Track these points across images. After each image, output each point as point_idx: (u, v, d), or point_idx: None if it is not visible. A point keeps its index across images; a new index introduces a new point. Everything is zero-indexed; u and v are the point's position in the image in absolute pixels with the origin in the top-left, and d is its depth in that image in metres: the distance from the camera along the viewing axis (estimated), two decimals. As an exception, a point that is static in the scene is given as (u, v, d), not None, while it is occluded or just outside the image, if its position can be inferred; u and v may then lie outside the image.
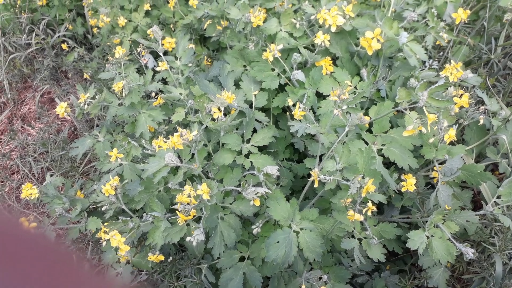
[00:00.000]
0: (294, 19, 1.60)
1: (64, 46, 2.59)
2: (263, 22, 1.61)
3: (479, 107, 1.49)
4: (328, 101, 1.45)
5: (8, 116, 2.61)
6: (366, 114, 1.45)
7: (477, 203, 1.70)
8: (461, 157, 1.36)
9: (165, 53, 2.30)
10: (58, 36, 2.83)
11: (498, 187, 1.41)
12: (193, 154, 1.18)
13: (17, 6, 2.96)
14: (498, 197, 1.21)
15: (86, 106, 1.41)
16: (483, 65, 1.86)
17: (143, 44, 1.44)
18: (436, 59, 1.91)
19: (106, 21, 2.37)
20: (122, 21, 2.38)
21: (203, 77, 1.73)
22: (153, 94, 1.46)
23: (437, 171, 1.32)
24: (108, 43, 2.44)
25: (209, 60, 2.12)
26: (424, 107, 1.13)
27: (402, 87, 1.15)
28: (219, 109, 1.33)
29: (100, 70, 2.53)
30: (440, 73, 1.50)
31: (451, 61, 1.50)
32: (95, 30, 2.67)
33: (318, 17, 1.51)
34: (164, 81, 1.66)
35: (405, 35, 1.29)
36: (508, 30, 1.92)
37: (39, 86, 2.76)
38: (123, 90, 1.36)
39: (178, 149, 1.13)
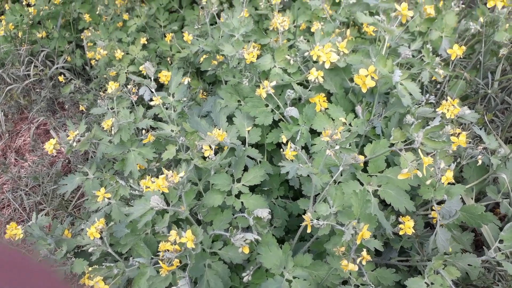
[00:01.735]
0: (288, 55, 1.60)
1: (61, 78, 2.60)
2: (258, 58, 1.61)
3: (477, 145, 1.46)
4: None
5: (2, 148, 2.58)
6: (361, 152, 1.42)
7: (478, 241, 1.63)
8: (461, 197, 1.32)
9: (162, 85, 2.30)
10: (57, 68, 2.85)
11: (500, 228, 1.36)
12: (180, 196, 1.14)
13: (18, 38, 2.99)
14: (501, 242, 1.15)
15: (75, 143, 1.38)
16: (480, 100, 1.84)
17: (134, 81, 1.42)
18: (433, 93, 1.89)
19: (103, 54, 2.38)
20: (119, 54, 2.39)
21: (198, 112, 1.71)
22: (144, 131, 1.44)
23: (435, 209, 1.27)
24: (104, 75, 2.45)
25: (205, 94, 2.11)
26: (419, 148, 1.09)
27: (397, 127, 1.11)
28: (210, 147, 1.30)
29: (96, 102, 2.52)
30: (437, 110, 1.47)
31: (448, 97, 1.47)
32: (93, 62, 2.68)
33: (311, 54, 1.50)
34: (156, 117, 1.64)
35: (399, 74, 1.27)
36: (504, 64, 1.91)
37: (35, 118, 2.75)
38: (113, 128, 1.34)
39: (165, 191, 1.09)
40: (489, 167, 1.47)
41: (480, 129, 1.66)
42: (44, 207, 2.18)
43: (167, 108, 1.60)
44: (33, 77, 2.84)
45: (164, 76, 2.13)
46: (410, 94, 1.39)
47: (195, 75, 2.36)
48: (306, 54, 1.53)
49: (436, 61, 1.64)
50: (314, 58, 1.50)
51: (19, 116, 2.84)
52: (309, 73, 1.49)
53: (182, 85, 1.52)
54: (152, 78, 1.51)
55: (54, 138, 1.51)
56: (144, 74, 1.55)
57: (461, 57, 1.67)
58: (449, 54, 1.95)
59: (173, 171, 1.11)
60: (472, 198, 1.41)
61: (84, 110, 2.49)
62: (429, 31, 1.96)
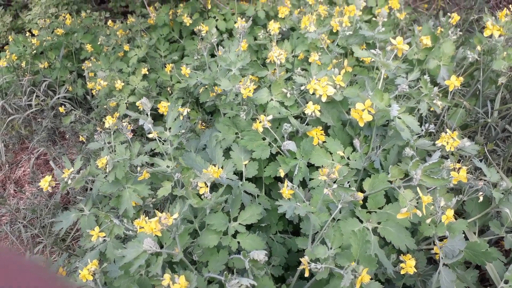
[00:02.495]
0: (285, 88, 1.59)
1: (61, 109, 2.61)
2: (255, 91, 1.61)
3: (478, 177, 1.43)
4: (321, 173, 1.40)
5: (2, 179, 2.58)
6: (360, 186, 1.39)
7: (484, 275, 1.58)
8: (463, 232, 1.28)
9: (162, 115, 2.30)
10: (58, 98, 2.87)
11: (505, 264, 1.32)
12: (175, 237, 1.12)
13: (21, 68, 3.04)
14: (506, 282, 1.11)
15: (70, 181, 1.36)
16: (480, 129, 1.82)
17: (130, 117, 1.42)
18: (433, 123, 1.88)
19: (103, 85, 2.40)
20: (119, 84, 2.41)
21: (195, 145, 1.70)
22: (139, 168, 1.42)
23: (437, 246, 1.23)
24: (105, 106, 2.46)
25: (204, 125, 2.11)
26: (418, 187, 1.07)
27: (395, 164, 1.09)
28: (205, 184, 1.28)
29: (96, 133, 2.52)
30: (436, 142, 1.45)
31: (447, 129, 1.46)
32: (94, 92, 2.70)
33: (308, 87, 1.49)
34: (154, 152, 1.63)
35: (396, 108, 1.26)
36: (504, 92, 1.90)
37: (35, 148, 2.75)
38: (107, 166, 1.33)
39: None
40: (491, 199, 1.43)
41: (481, 160, 1.63)
42: (42, 240, 2.15)
43: (164, 141, 1.59)
44: (34, 107, 2.87)
45: (163, 107, 2.13)
46: (409, 127, 1.38)
47: (195, 105, 2.36)
48: (302, 88, 1.53)
49: (434, 92, 1.63)
50: (311, 92, 1.49)
51: (20, 146, 2.85)
52: (306, 106, 1.49)
53: (178, 119, 1.51)
54: (149, 113, 1.50)
55: (52, 170, 1.51)
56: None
57: (459, 87, 1.66)
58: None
59: (167, 211, 1.09)
60: (475, 233, 1.37)
61: (84, 140, 2.49)
62: (427, 59, 1.97)
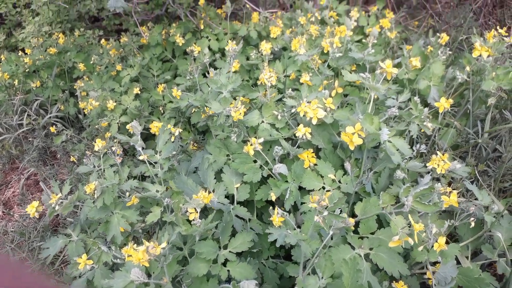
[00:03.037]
0: (276, 111, 1.59)
1: (52, 129, 2.59)
2: (246, 113, 1.60)
3: (469, 200, 1.42)
4: (312, 197, 1.39)
5: (-9, 200, 2.54)
6: (351, 210, 1.38)
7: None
8: (456, 257, 1.27)
9: (154, 135, 2.28)
10: (50, 117, 2.85)
11: (499, 289, 1.30)
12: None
13: (13, 87, 3.02)
14: (500, 310, 1.10)
15: (57, 207, 1.34)
16: (471, 149, 1.83)
17: (119, 141, 1.41)
18: (424, 143, 1.88)
19: (95, 105, 2.39)
20: (111, 104, 2.40)
21: (186, 167, 1.68)
22: (127, 193, 1.40)
23: (429, 271, 1.22)
24: (96, 126, 2.44)
25: (195, 145, 2.10)
26: (410, 214, 1.06)
27: (385, 191, 1.09)
28: (195, 209, 1.26)
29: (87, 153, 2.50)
30: (427, 165, 1.45)
31: (438, 152, 1.46)
32: (86, 111, 2.69)
33: (298, 110, 1.49)
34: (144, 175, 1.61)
35: (386, 132, 1.26)
36: (494, 112, 1.92)
37: (26, 168, 2.72)
38: (95, 191, 1.31)
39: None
40: (483, 222, 1.43)
41: (472, 181, 1.63)
42: (30, 263, 2.11)
43: (155, 163, 1.58)
44: (25, 127, 2.84)
45: (155, 127, 2.12)
46: (399, 151, 1.37)
47: (187, 124, 2.36)
48: (293, 111, 1.53)
49: (424, 113, 1.64)
50: (301, 115, 1.49)
51: (10, 166, 2.81)
52: (297, 129, 1.48)
53: (169, 143, 1.50)
54: (139, 136, 1.49)
55: (42, 191, 1.48)
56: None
57: (449, 108, 1.67)
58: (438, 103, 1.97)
59: (155, 240, 1.07)
60: (467, 257, 1.36)
61: (75, 161, 2.47)
62: (417, 79, 1.98)
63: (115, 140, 2.42)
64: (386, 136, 1.27)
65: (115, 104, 2.40)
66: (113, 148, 1.43)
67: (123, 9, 1.77)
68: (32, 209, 1.40)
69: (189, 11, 2.42)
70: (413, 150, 1.79)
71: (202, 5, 2.55)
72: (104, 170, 1.62)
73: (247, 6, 2.50)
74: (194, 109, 1.92)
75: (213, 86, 1.61)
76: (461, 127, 1.86)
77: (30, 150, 2.76)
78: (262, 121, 1.61)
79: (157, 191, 1.41)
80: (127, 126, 1.53)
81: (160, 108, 2.49)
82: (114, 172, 1.48)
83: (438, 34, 3.16)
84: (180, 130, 2.10)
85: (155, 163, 1.57)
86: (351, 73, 2.03)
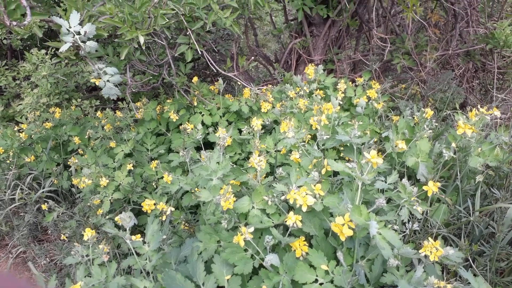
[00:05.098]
0: (266, 196, 1.60)
1: (44, 206, 2.57)
2: (236, 195, 1.61)
3: (466, 284, 1.39)
4: (305, 290, 1.35)
5: (-24, 283, 2.45)
6: (346, 304, 1.34)
7: None
8: None
9: (146, 213, 2.26)
10: (43, 192, 2.84)
11: None
12: None
13: (7, 162, 3.04)
14: None
15: (41, 309, 1.29)
16: (464, 226, 1.82)
17: (108, 236, 1.39)
18: (417, 221, 1.87)
19: (87, 183, 2.39)
20: (104, 181, 2.40)
21: (176, 255, 1.65)
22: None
23: None
24: (88, 204, 2.43)
25: (186, 225, 2.08)
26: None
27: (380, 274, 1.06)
28: (184, 311, 1.22)
29: (79, 230, 2.47)
30: (420, 251, 1.44)
31: (430, 239, 1.45)
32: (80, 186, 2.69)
33: (288, 197, 1.50)
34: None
35: (375, 226, 1.26)
36: (483, 188, 1.93)
37: (15, 245, 2.66)
38: (82, 294, 1.27)
39: None
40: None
41: (467, 263, 1.61)
42: None
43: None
44: (18, 202, 2.82)
45: (147, 205, 2.12)
46: (390, 244, 1.36)
47: (179, 200, 2.35)
48: (283, 198, 1.54)
49: (414, 193, 1.65)
50: (291, 202, 1.50)
51: (0, 243, 2.75)
52: (287, 217, 1.48)
53: (157, 234, 1.49)
54: (128, 229, 1.48)
55: (31, 271, 1.43)
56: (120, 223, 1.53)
57: (439, 183, 1.69)
58: (427, 177, 1.99)
59: None
60: None
61: (66, 239, 2.43)
62: (405, 156, 2.02)
63: (106, 217, 2.40)
64: (375, 230, 1.27)
65: (107, 181, 2.41)
66: (101, 246, 1.41)
67: (117, 96, 1.84)
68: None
69: (182, 88, 2.51)
70: (406, 230, 1.78)
71: (196, 83, 2.65)
72: (92, 261, 1.59)
73: (238, 83, 2.60)
74: (185, 192, 1.93)
75: (204, 173, 1.63)
76: (451, 204, 1.86)
77: (20, 226, 2.72)
78: (253, 207, 1.61)
79: (145, 287, 1.38)
80: (116, 218, 1.52)
81: (153, 184, 2.50)
82: (100, 265, 1.45)
83: (423, 103, 3.28)
84: (172, 209, 2.10)
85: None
86: (339, 154, 2.08)
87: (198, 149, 2.65)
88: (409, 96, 3.65)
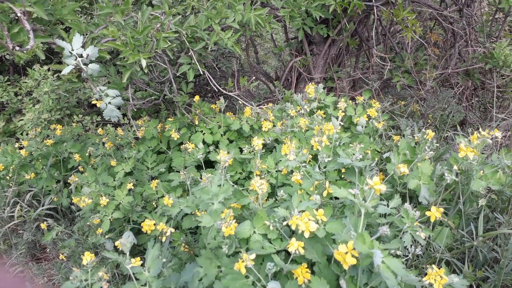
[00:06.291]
0: (268, 221, 1.59)
1: (43, 225, 2.55)
2: (237, 219, 1.60)
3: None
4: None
5: (-27, 304, 2.42)
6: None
7: None
8: None
9: (146, 233, 2.24)
10: (42, 209, 2.83)
11: None
12: None
13: (6, 179, 3.02)
14: None
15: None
16: (467, 250, 1.80)
17: (109, 263, 1.38)
18: (420, 245, 1.86)
19: (87, 202, 2.37)
20: (104, 201, 2.39)
21: (175, 280, 1.63)
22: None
23: None
24: (88, 223, 2.41)
25: (186, 247, 2.05)
26: None
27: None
28: None
29: (78, 249, 2.44)
30: (424, 279, 1.42)
31: (434, 266, 1.43)
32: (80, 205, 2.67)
33: (290, 223, 1.49)
34: None
35: (379, 255, 1.25)
36: (486, 211, 1.92)
37: (13, 264, 2.63)
38: (80, 324, 1.25)
39: None
40: None
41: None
42: None
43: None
44: (17, 219, 2.80)
45: (147, 225, 2.10)
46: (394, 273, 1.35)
47: (179, 222, 2.33)
48: (285, 223, 1.53)
49: (416, 217, 1.64)
50: (293, 228, 1.49)
51: (-3, 262, 2.72)
52: (289, 243, 1.47)
53: (158, 260, 1.47)
54: (128, 255, 1.46)
55: None
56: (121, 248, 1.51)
57: (442, 202, 1.68)
58: (429, 200, 1.98)
59: None
60: None
61: (64, 259, 2.40)
62: (407, 179, 2.01)
63: (105, 237, 2.38)
64: (379, 259, 1.25)
65: (107, 200, 2.39)
66: (100, 274, 1.39)
67: (118, 118, 1.84)
68: None
69: (184, 107, 2.51)
70: (409, 253, 1.77)
71: (197, 101, 2.66)
72: (91, 286, 1.57)
73: (240, 102, 2.61)
74: (185, 214, 1.91)
75: (204, 196, 1.62)
76: (454, 228, 1.85)
77: (19, 245, 2.69)
78: (254, 232, 1.60)
79: (145, 316, 1.36)
80: (116, 243, 1.50)
81: (153, 203, 2.48)
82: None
83: (423, 120, 3.27)
84: (172, 230, 2.08)
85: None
86: (340, 174, 2.07)
87: (198, 167, 2.64)
88: (409, 113, 3.66)
